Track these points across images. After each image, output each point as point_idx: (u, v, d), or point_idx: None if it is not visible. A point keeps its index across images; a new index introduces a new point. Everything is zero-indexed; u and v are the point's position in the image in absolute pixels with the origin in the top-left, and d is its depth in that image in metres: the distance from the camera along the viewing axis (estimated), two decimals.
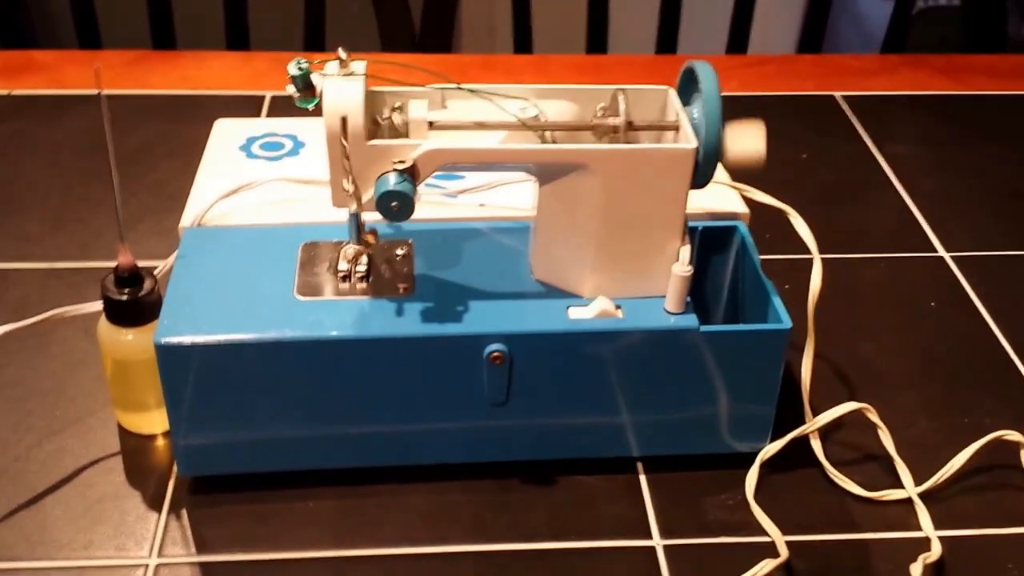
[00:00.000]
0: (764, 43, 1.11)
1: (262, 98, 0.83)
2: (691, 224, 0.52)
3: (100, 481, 0.51)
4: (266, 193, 0.58)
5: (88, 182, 0.73)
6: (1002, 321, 0.64)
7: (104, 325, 0.50)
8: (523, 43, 1.10)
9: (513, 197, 0.58)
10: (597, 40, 1.09)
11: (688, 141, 0.46)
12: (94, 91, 0.83)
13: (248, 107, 0.81)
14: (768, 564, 0.46)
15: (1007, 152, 0.82)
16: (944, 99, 0.89)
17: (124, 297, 0.49)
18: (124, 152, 0.76)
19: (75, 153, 0.76)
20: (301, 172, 0.60)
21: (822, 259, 0.52)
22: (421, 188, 0.58)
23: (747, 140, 0.46)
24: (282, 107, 0.81)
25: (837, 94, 0.88)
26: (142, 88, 0.85)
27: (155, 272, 0.51)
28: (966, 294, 0.66)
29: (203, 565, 0.47)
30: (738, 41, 1.10)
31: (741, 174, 0.46)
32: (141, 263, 0.49)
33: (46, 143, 0.77)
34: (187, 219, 0.55)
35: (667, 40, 1.09)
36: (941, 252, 0.70)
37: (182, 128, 0.79)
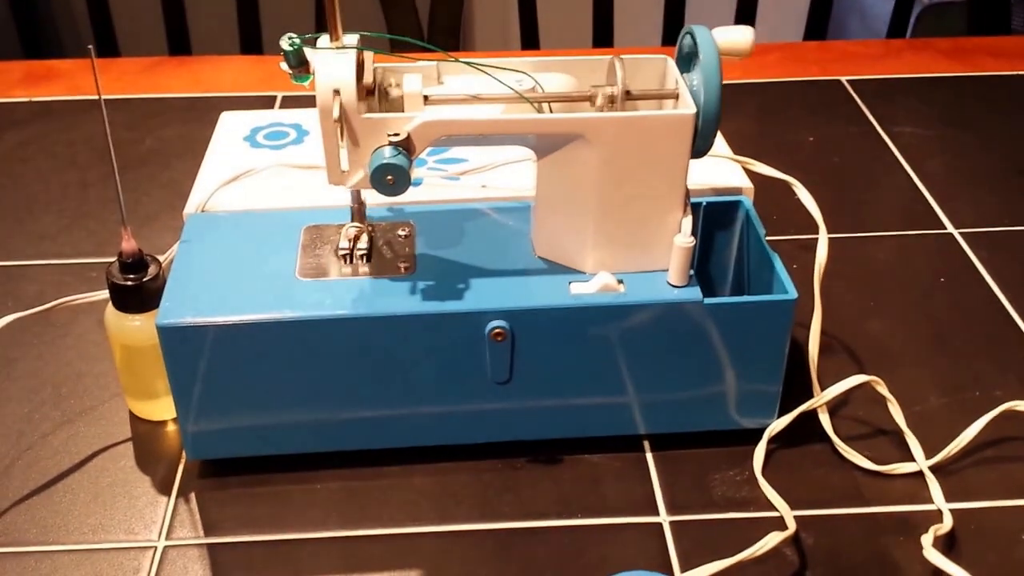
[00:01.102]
0: (769, 38, 1.11)
1: (274, 98, 0.84)
2: (695, 200, 0.52)
3: (111, 467, 0.51)
4: (269, 179, 0.58)
5: (103, 182, 0.74)
6: (1012, 295, 0.63)
7: (111, 312, 0.51)
8: (531, 41, 1.10)
9: (515, 178, 0.58)
10: (603, 34, 1.09)
11: (687, 107, 0.46)
12: (109, 95, 0.85)
13: (260, 107, 0.82)
14: (775, 537, 0.45)
15: (1013, 130, 0.81)
16: (949, 80, 0.88)
17: (129, 283, 0.49)
18: (139, 153, 0.78)
19: (91, 154, 0.78)
20: (304, 159, 0.60)
21: (831, 238, 0.51)
22: (423, 171, 0.59)
23: (735, 32, 0.46)
24: (293, 105, 0.82)
25: (843, 78, 0.88)
26: (158, 92, 0.86)
27: (161, 260, 0.51)
28: (975, 269, 0.65)
29: (211, 546, 0.47)
30: None
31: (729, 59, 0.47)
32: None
33: (63, 146, 0.79)
34: (191, 206, 0.56)
35: (672, 34, 1.09)
36: (950, 229, 0.69)
37: (196, 129, 0.80)
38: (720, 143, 0.61)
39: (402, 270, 0.50)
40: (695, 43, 0.47)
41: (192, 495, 0.50)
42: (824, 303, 0.52)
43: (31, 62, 0.93)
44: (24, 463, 0.51)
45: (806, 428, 0.52)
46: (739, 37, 0.46)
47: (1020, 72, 0.89)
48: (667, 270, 0.49)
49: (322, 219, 0.53)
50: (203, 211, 0.56)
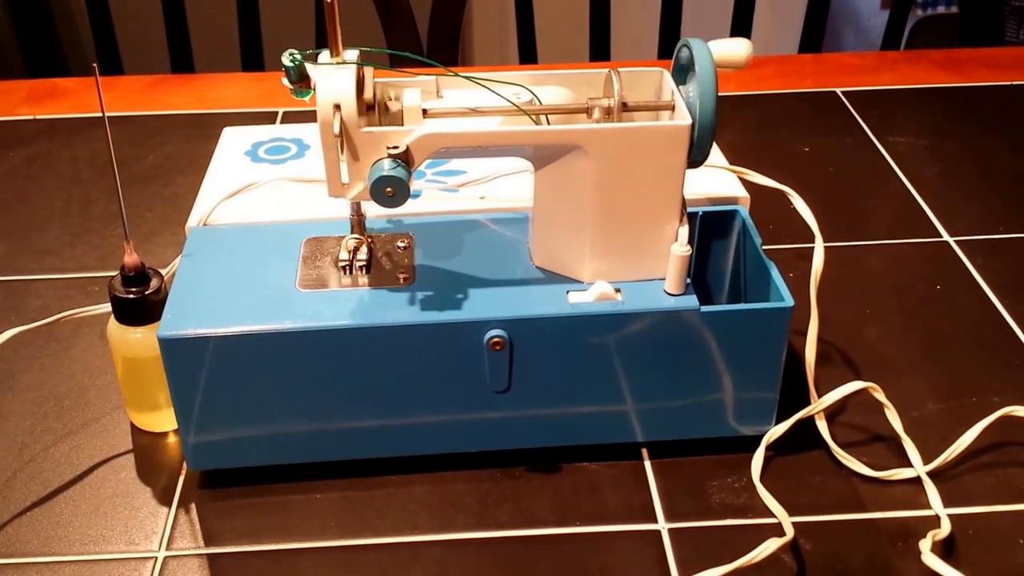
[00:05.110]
0: (764, 51, 1.13)
1: (275, 114, 0.85)
2: (691, 209, 0.52)
3: (112, 478, 0.52)
4: (270, 193, 0.59)
5: (106, 198, 0.75)
6: (1008, 302, 0.63)
7: (113, 325, 0.51)
8: (528, 56, 1.11)
9: (513, 189, 0.59)
10: (600, 48, 1.10)
11: (683, 119, 0.47)
12: (113, 112, 0.86)
13: (262, 123, 0.83)
14: (773, 543, 0.45)
15: (1007, 140, 0.81)
16: (944, 91, 0.89)
17: (131, 296, 0.50)
18: (143, 169, 0.78)
19: (95, 171, 0.79)
20: (305, 173, 0.61)
21: (827, 247, 0.52)
22: (422, 183, 0.60)
23: (731, 44, 0.47)
24: (295, 121, 0.83)
25: (838, 90, 0.88)
26: (161, 109, 0.87)
27: (163, 273, 0.52)
28: (971, 277, 0.66)
29: (211, 557, 0.48)
30: None
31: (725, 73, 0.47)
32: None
33: (67, 163, 0.80)
34: (193, 219, 0.56)
35: (668, 48, 1.10)
36: (945, 237, 0.70)
37: (198, 145, 0.81)
38: (716, 154, 0.62)
39: (401, 281, 0.50)
40: (691, 55, 0.47)
41: (192, 506, 0.50)
42: (821, 311, 0.52)
43: (35, 80, 0.94)
44: (26, 475, 0.52)
45: (804, 435, 0.52)
46: (736, 49, 0.47)
47: (1013, 82, 0.90)
48: (664, 279, 0.49)
49: (322, 231, 0.53)
50: (205, 224, 0.56)
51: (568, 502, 0.50)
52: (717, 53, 0.47)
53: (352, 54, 0.46)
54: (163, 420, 0.54)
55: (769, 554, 0.45)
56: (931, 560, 0.45)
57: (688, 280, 0.49)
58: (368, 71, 0.47)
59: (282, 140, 0.65)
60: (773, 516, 0.48)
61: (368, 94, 0.47)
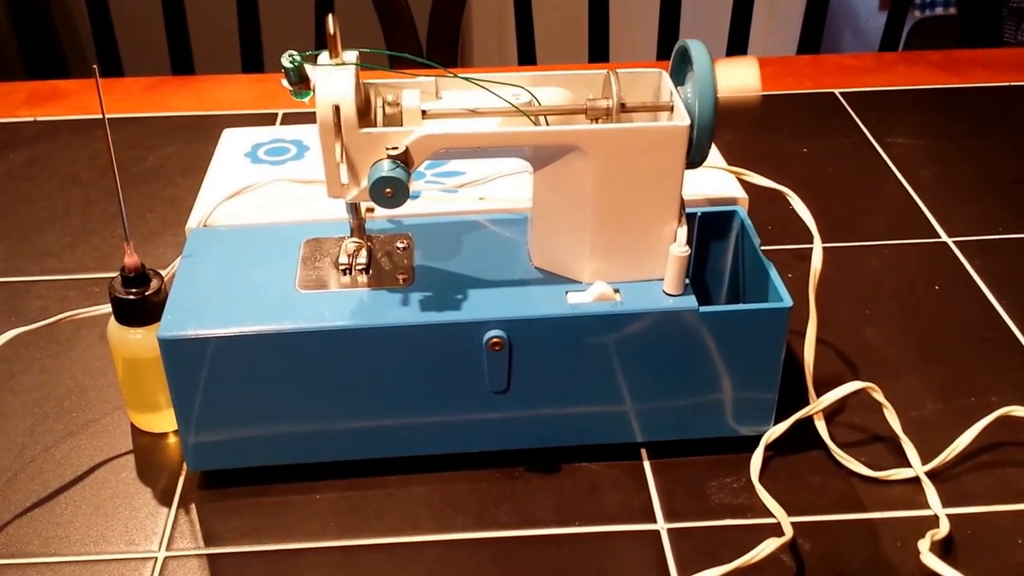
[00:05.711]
0: (763, 52, 1.13)
1: (275, 115, 0.85)
2: (690, 210, 0.52)
3: (112, 479, 0.52)
4: (269, 194, 0.59)
5: (107, 199, 0.75)
6: (1006, 302, 0.63)
7: (113, 326, 0.52)
8: (528, 57, 1.12)
9: (513, 190, 0.59)
10: (599, 50, 1.10)
11: (682, 119, 0.47)
12: (113, 114, 0.86)
13: (262, 124, 0.83)
14: (772, 543, 0.46)
15: (1006, 140, 0.82)
16: (942, 92, 0.89)
17: (131, 297, 0.50)
18: (143, 170, 0.79)
19: (95, 172, 0.79)
20: (304, 174, 0.61)
21: (825, 247, 0.52)
22: (421, 184, 0.60)
23: (739, 76, 0.46)
24: (294, 123, 0.83)
25: (836, 91, 0.88)
26: (161, 111, 0.87)
27: (163, 274, 0.52)
28: (970, 277, 0.66)
29: (211, 557, 0.48)
30: (737, 51, 1.11)
31: (736, 105, 0.46)
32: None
33: (67, 164, 0.80)
34: (193, 221, 0.57)
35: (667, 49, 1.10)
36: (943, 237, 0.70)
37: (198, 146, 0.81)
38: (715, 154, 0.62)
39: (400, 282, 0.50)
40: (689, 56, 0.48)
41: (192, 506, 0.50)
42: (819, 311, 0.52)
43: (36, 82, 0.94)
44: (27, 475, 0.52)
45: (803, 435, 0.52)
46: (745, 76, 0.46)
47: (1011, 83, 0.90)
48: (663, 279, 0.49)
49: (322, 232, 0.53)
50: (205, 226, 0.57)
51: (568, 502, 0.50)
52: (726, 86, 0.46)
53: (351, 55, 0.46)
54: (163, 420, 0.54)
55: (768, 554, 0.45)
56: (930, 560, 0.45)
57: (687, 280, 0.49)
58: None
59: (282, 141, 0.65)
60: (772, 516, 0.48)
61: (367, 97, 0.47)
